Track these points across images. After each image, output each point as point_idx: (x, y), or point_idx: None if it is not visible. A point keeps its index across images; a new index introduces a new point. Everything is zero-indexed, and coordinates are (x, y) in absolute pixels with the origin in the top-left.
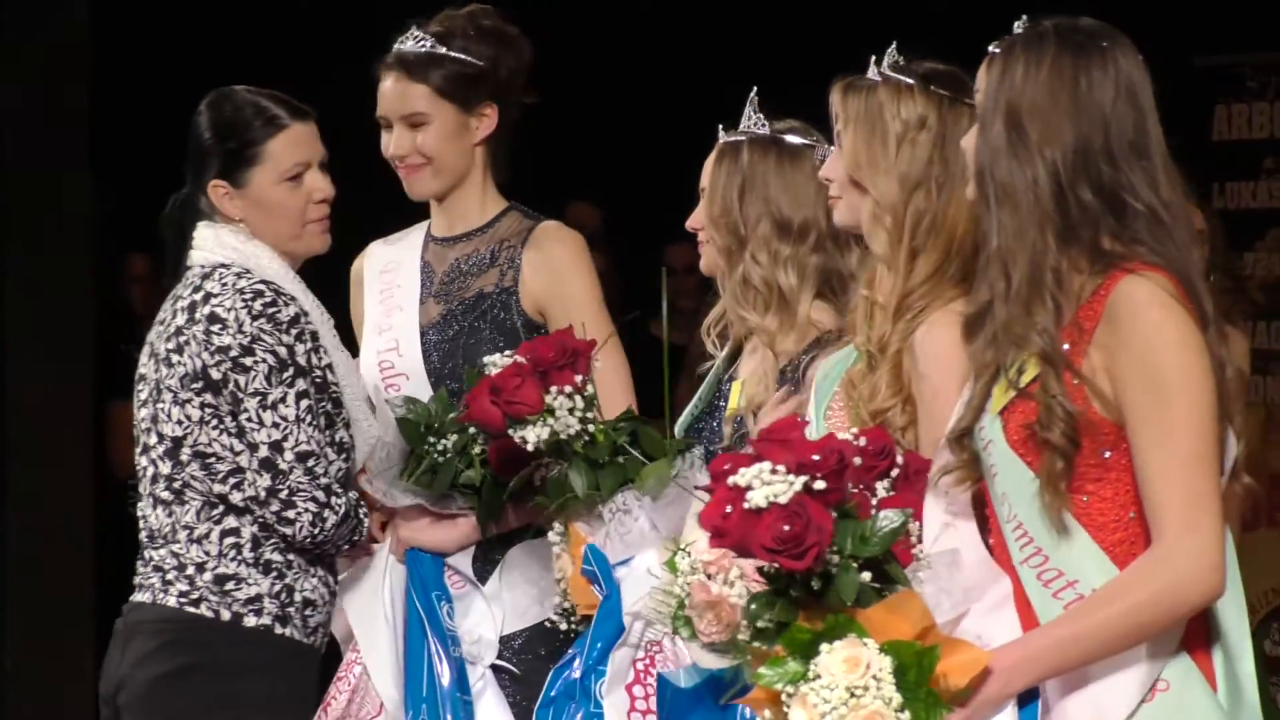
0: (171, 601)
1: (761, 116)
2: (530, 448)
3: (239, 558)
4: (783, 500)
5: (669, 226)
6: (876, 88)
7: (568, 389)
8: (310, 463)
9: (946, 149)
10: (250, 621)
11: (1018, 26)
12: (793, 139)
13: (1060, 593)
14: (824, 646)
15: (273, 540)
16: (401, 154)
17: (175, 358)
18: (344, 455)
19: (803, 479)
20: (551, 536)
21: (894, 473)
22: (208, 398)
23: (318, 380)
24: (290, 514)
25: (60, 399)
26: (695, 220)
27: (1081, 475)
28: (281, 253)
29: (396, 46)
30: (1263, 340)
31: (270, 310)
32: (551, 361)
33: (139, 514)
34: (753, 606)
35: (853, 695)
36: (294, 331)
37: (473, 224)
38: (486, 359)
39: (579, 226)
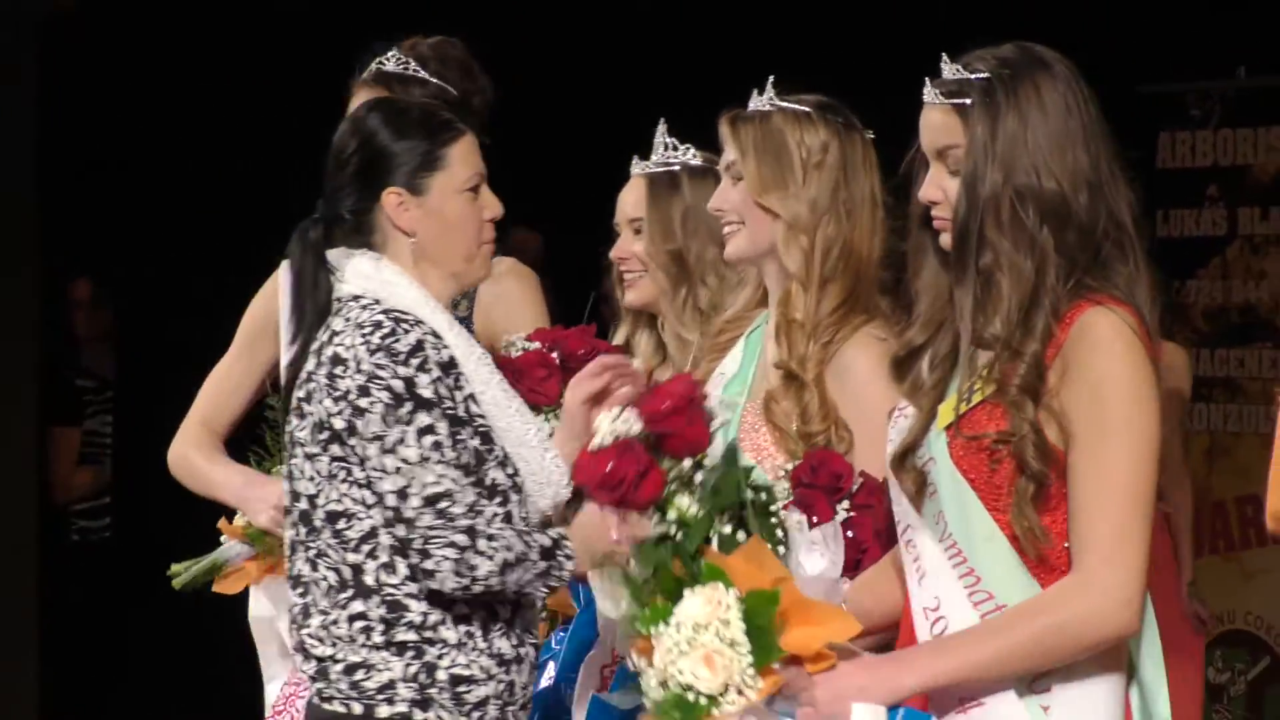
0: (314, 699)
1: (675, 143)
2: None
3: (368, 643)
4: (612, 440)
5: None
6: (770, 116)
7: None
8: (442, 504)
9: (848, 176)
10: (383, 712)
11: (948, 69)
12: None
13: (989, 615)
14: (686, 592)
15: (406, 619)
16: None
17: (305, 407)
18: (500, 499)
19: (636, 424)
20: None
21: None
22: (335, 450)
23: (450, 413)
24: (429, 564)
25: (2, 423)
26: (623, 252)
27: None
28: (450, 275)
29: (375, 66)
30: (1205, 368)
31: (388, 340)
32: (581, 358)
33: (288, 572)
34: (634, 558)
35: (696, 632)
36: (415, 361)
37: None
38: (508, 337)
39: (520, 251)
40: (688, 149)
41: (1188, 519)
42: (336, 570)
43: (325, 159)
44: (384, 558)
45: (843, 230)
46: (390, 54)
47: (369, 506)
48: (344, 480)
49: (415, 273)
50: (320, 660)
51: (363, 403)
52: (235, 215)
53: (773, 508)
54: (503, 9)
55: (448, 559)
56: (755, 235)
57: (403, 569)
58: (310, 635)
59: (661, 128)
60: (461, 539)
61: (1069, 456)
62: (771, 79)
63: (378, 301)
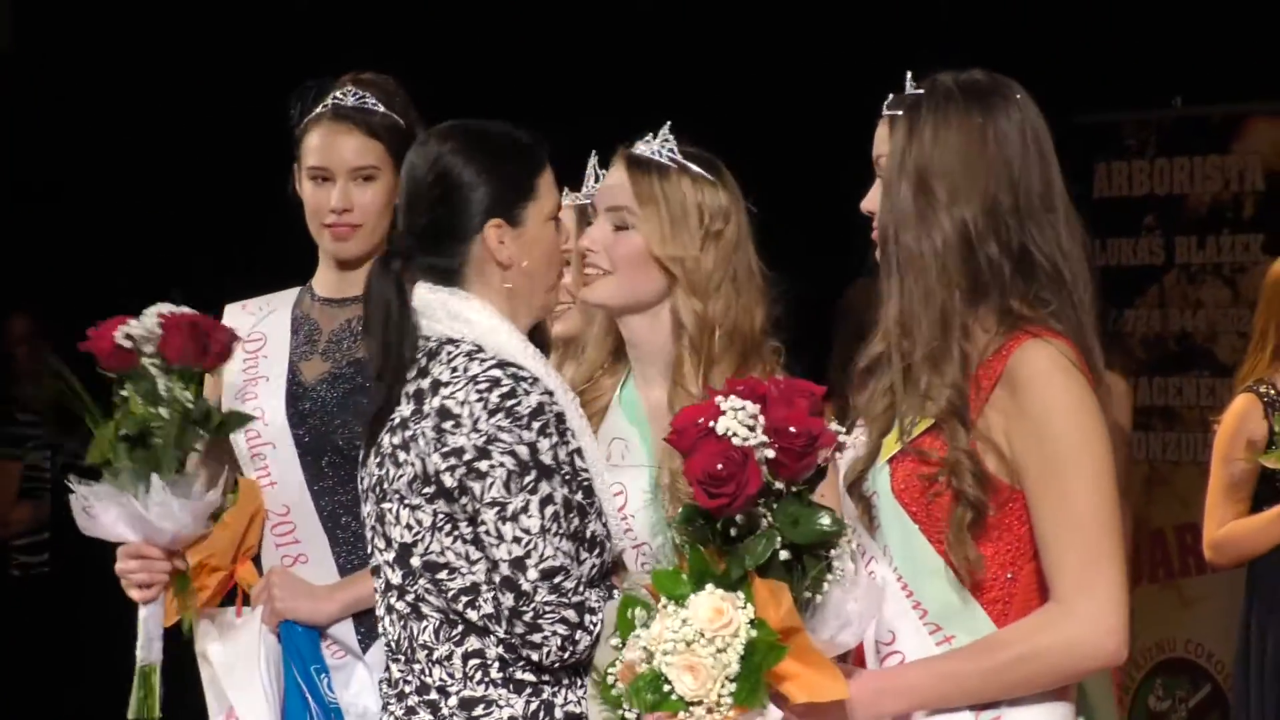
0: None
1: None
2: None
3: (486, 679)
4: (735, 442)
5: None
6: (672, 172)
7: None
8: (558, 579)
9: (739, 247)
10: None
11: (909, 84)
12: None
13: (939, 646)
14: (709, 585)
15: (523, 660)
16: (347, 206)
17: (402, 455)
18: (598, 550)
19: (760, 439)
20: None
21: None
22: (440, 505)
23: (566, 475)
24: (536, 638)
25: None
26: (571, 285)
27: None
28: (535, 309)
29: (336, 100)
30: (1144, 397)
31: (509, 403)
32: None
33: (379, 618)
34: (679, 516)
35: (696, 640)
36: (537, 425)
37: (357, 288)
38: None
39: None
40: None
41: (1128, 549)
42: (443, 613)
43: (255, 192)
44: (488, 608)
45: (733, 302)
46: (347, 89)
47: (472, 562)
48: (449, 534)
49: (506, 309)
50: (429, 691)
51: (482, 465)
52: (173, 248)
53: (833, 553)
54: (449, 42)
55: (557, 634)
56: (635, 288)
57: (504, 624)
58: (419, 668)
59: (593, 160)
60: (572, 615)
61: (1028, 493)
62: (668, 125)
63: (480, 349)
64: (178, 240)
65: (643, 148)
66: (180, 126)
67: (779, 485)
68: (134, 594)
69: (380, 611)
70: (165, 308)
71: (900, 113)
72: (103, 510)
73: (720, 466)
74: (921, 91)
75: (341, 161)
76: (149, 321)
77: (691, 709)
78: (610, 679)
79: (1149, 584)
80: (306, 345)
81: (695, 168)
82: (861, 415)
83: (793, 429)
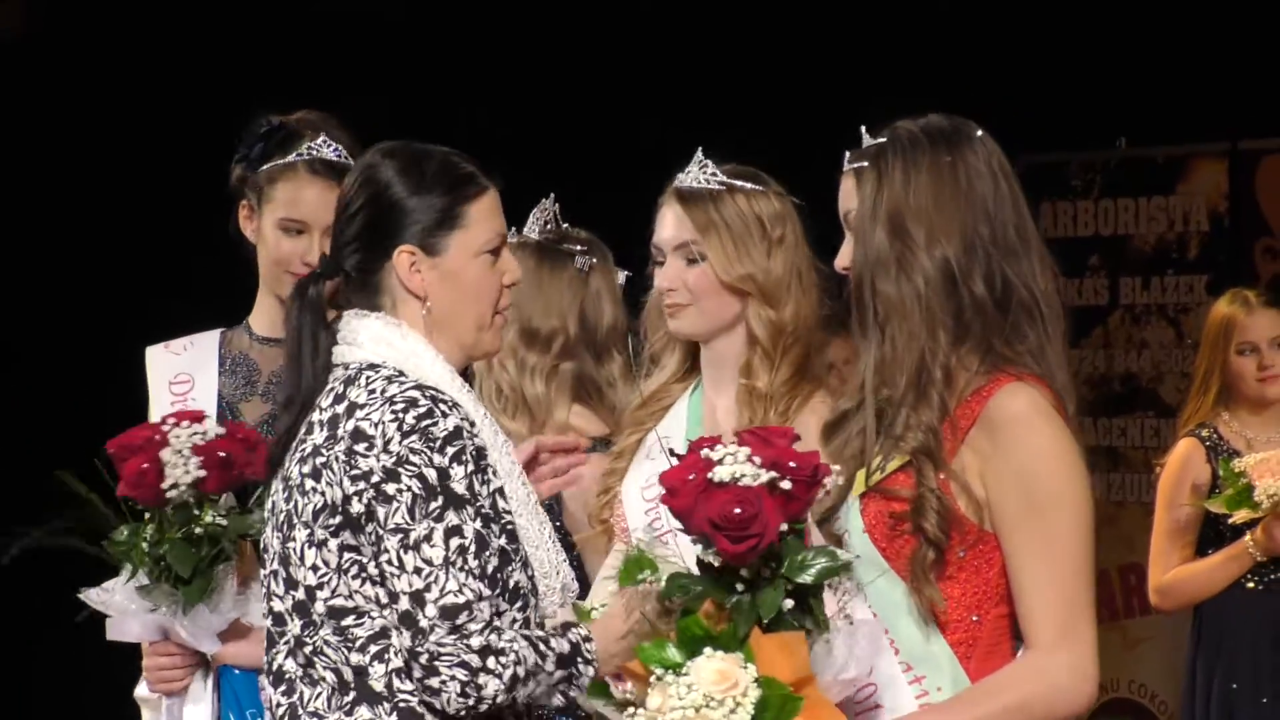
0: None
1: (554, 217)
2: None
3: None
4: (744, 483)
5: None
6: (723, 195)
7: None
8: (460, 619)
9: (798, 247)
10: None
11: (866, 136)
12: (567, 246)
13: (910, 684)
14: (707, 650)
15: None
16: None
17: (310, 484)
18: (520, 603)
19: (771, 475)
20: None
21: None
22: (347, 537)
23: (482, 511)
24: (434, 681)
25: None
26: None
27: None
28: (459, 345)
29: (313, 152)
30: (1088, 437)
31: (424, 424)
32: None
33: (265, 664)
34: (669, 584)
35: (706, 705)
36: (451, 449)
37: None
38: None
39: None
40: (550, 222)
41: None
42: (336, 671)
43: (181, 224)
44: (397, 662)
45: (800, 302)
46: (321, 140)
47: (382, 605)
48: (356, 575)
49: (431, 340)
50: None
51: (389, 488)
52: (100, 288)
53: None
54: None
55: (456, 679)
56: (713, 314)
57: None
58: None
59: (551, 203)
60: (474, 660)
61: (1003, 537)
62: (700, 152)
63: (402, 373)
64: (105, 281)
65: (686, 180)
66: (109, 164)
67: (784, 526)
68: (163, 688)
69: (266, 671)
70: (194, 435)
71: (865, 164)
72: (132, 618)
73: (738, 510)
74: (883, 140)
75: (319, 218)
76: (192, 467)
77: None
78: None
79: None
80: (246, 386)
81: (741, 183)
82: (834, 454)
83: (793, 462)
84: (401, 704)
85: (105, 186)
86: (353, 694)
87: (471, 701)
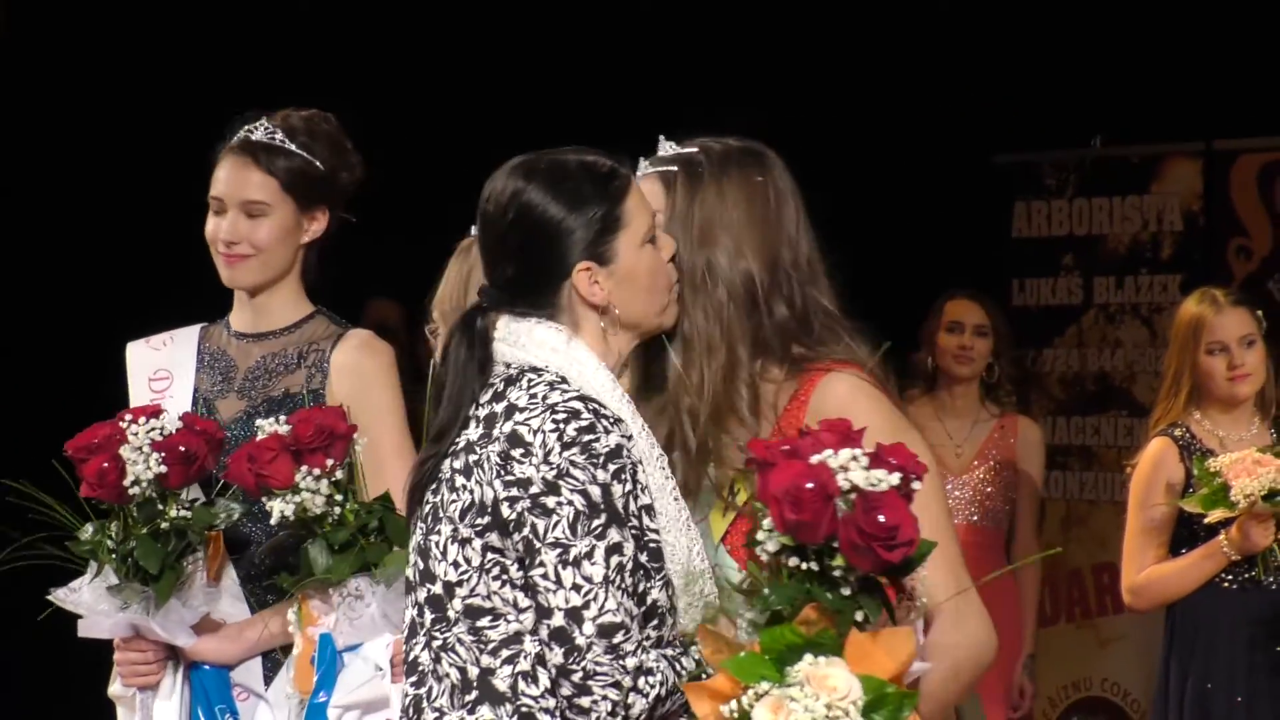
0: None
1: None
2: (274, 521)
3: None
4: (881, 489)
5: None
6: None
7: (317, 471)
8: (617, 638)
9: None
10: None
11: (666, 146)
12: None
13: None
14: (808, 657)
15: None
16: (234, 240)
17: (461, 480)
18: (656, 621)
19: (898, 475)
20: (289, 615)
21: None
22: (493, 539)
23: (634, 530)
24: (584, 701)
25: None
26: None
27: None
28: (641, 335)
29: (244, 133)
30: (1062, 436)
31: (586, 438)
32: (307, 442)
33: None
34: (770, 595)
35: (829, 715)
36: (613, 466)
37: (280, 323)
38: (259, 422)
39: (379, 322)
40: None
41: (1034, 593)
42: (463, 670)
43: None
44: (524, 665)
45: None
46: (260, 123)
47: (520, 609)
48: (497, 577)
49: (601, 346)
50: None
51: (549, 501)
52: (81, 288)
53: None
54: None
55: (608, 699)
56: None
57: (544, 681)
58: None
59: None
60: (627, 680)
61: None
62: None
63: (564, 380)
64: (87, 282)
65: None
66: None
67: None
68: (136, 682)
69: (403, 659)
70: (152, 431)
71: (674, 169)
72: (102, 616)
73: (882, 519)
74: (694, 150)
75: (232, 194)
76: (153, 463)
77: None
78: None
79: (1066, 623)
80: (222, 382)
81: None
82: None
83: (897, 458)
84: (524, 708)
85: (84, 186)
86: (475, 693)
87: None
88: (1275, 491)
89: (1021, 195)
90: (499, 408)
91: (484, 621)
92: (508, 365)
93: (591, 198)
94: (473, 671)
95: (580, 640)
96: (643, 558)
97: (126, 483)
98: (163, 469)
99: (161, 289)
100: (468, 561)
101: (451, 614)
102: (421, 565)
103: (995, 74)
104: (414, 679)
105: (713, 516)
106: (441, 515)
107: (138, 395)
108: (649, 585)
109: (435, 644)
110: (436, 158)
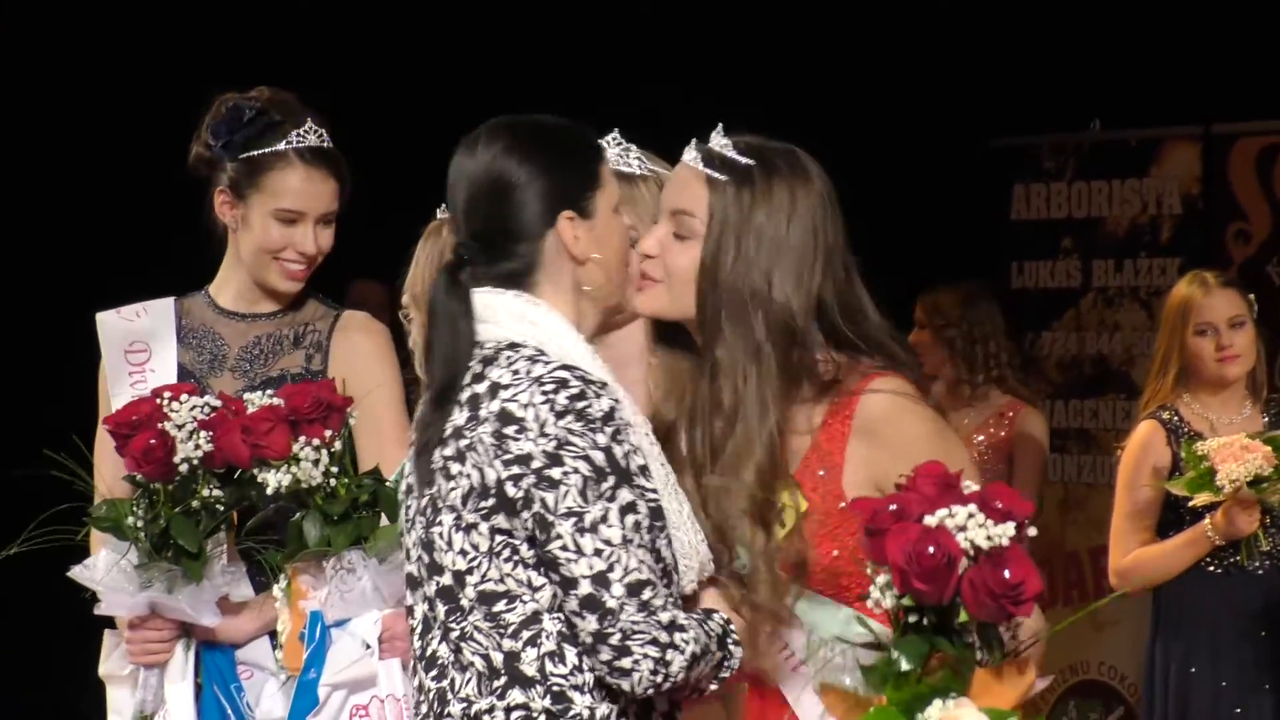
0: None
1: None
2: (270, 491)
3: None
4: (1004, 544)
5: None
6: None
7: (315, 442)
8: (646, 594)
9: None
10: None
11: (720, 142)
12: None
13: None
14: (937, 702)
15: (572, 712)
16: (318, 254)
17: (456, 467)
18: (667, 580)
19: (1011, 525)
20: (275, 591)
21: None
22: (499, 520)
23: (639, 488)
24: (626, 662)
25: None
26: None
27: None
28: (604, 311)
29: (302, 141)
30: (1060, 419)
31: (579, 405)
32: (305, 413)
33: (414, 657)
34: (895, 654)
35: None
36: (610, 429)
37: (274, 304)
38: (248, 395)
39: (362, 303)
40: None
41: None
42: (486, 657)
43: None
44: (550, 645)
45: None
46: (309, 127)
47: (534, 589)
48: (508, 559)
49: (574, 313)
50: None
51: (554, 473)
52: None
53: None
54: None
55: (649, 657)
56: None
57: (572, 659)
58: None
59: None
60: (663, 635)
61: None
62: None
63: (543, 353)
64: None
65: (612, 162)
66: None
67: None
68: (147, 660)
69: (419, 655)
70: (195, 407)
71: (726, 179)
72: (121, 594)
73: (1006, 574)
74: (745, 160)
75: (315, 206)
76: (201, 440)
77: None
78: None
79: (1063, 606)
80: (212, 361)
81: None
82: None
83: (998, 503)
84: (555, 687)
85: (49, 164)
86: (504, 678)
87: (659, 679)
88: (1261, 478)
89: (1020, 178)
90: (481, 388)
91: (500, 606)
92: (483, 345)
93: (574, 153)
94: (497, 657)
95: (611, 603)
96: (650, 519)
97: (176, 460)
98: (210, 448)
99: (127, 265)
100: (475, 548)
101: (465, 603)
102: (427, 559)
103: (994, 57)
104: (434, 673)
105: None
106: (441, 505)
107: (113, 365)
108: (660, 543)
109: (453, 635)
110: (421, 138)
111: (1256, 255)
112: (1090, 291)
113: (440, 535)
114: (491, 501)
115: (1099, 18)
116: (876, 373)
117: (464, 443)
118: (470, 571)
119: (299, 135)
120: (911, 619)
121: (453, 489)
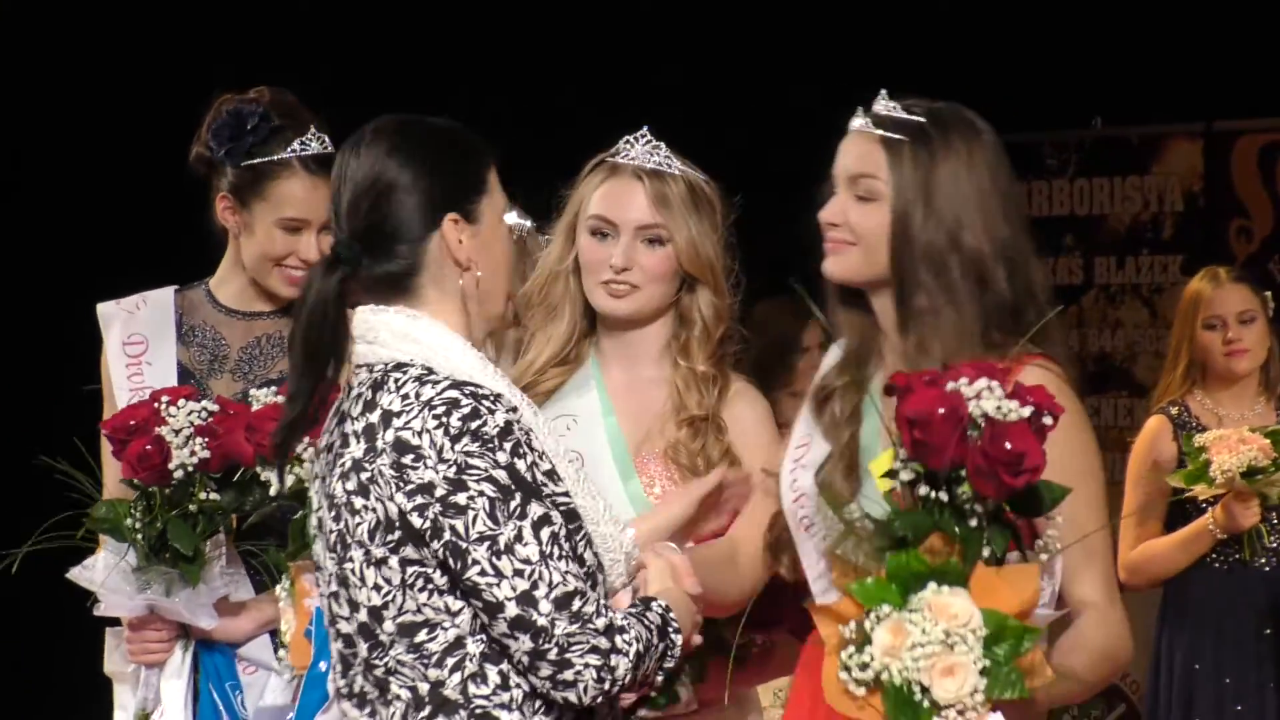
0: None
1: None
2: (273, 490)
3: None
4: (1012, 419)
5: None
6: (680, 180)
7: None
8: (576, 605)
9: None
10: None
11: (888, 104)
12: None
13: None
14: (932, 586)
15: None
16: (314, 259)
17: (360, 501)
18: (591, 581)
19: (1030, 408)
20: (278, 590)
21: None
22: (408, 552)
23: (549, 496)
24: (568, 674)
25: None
26: None
27: None
28: (488, 320)
29: (305, 149)
30: None
31: (473, 424)
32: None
33: (337, 693)
34: (895, 522)
35: (946, 640)
36: (508, 444)
37: (272, 302)
38: (254, 392)
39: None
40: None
41: None
42: (412, 689)
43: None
44: (472, 667)
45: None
46: (312, 133)
47: (454, 614)
48: (422, 589)
49: (461, 321)
50: None
51: (459, 499)
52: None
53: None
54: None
55: (590, 665)
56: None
57: (494, 678)
58: None
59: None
60: (603, 641)
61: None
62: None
63: (431, 370)
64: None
65: (644, 159)
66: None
67: None
68: (146, 660)
69: (345, 693)
70: (193, 412)
71: (902, 139)
72: (120, 595)
73: (1008, 445)
74: (915, 117)
75: (320, 215)
76: (197, 447)
77: (944, 712)
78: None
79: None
80: (213, 361)
81: (694, 170)
82: (828, 427)
83: (1035, 397)
84: (478, 710)
85: (45, 157)
86: (429, 707)
87: (606, 685)
88: (1255, 469)
89: (1022, 175)
90: (374, 417)
91: (421, 636)
92: (370, 368)
93: (462, 156)
94: (423, 688)
95: (542, 620)
96: (566, 525)
97: (171, 466)
98: (206, 454)
99: (125, 258)
100: (388, 581)
101: (384, 638)
102: (345, 594)
103: (995, 53)
104: (367, 709)
105: (883, 458)
106: (350, 541)
107: (115, 357)
108: (579, 547)
109: (377, 671)
110: None
111: (1259, 252)
112: (1092, 289)
113: (353, 571)
114: (398, 534)
115: (1101, 15)
116: (1032, 356)
117: (365, 475)
118: (386, 606)
119: (302, 143)
120: (920, 491)
121: (359, 524)
